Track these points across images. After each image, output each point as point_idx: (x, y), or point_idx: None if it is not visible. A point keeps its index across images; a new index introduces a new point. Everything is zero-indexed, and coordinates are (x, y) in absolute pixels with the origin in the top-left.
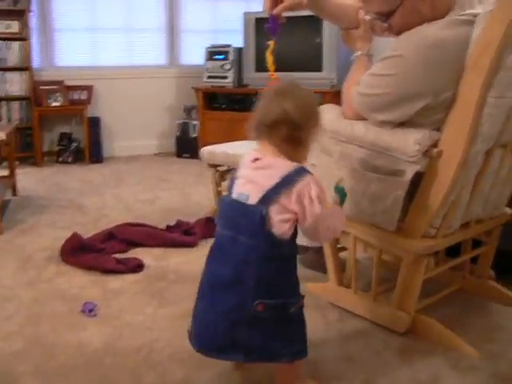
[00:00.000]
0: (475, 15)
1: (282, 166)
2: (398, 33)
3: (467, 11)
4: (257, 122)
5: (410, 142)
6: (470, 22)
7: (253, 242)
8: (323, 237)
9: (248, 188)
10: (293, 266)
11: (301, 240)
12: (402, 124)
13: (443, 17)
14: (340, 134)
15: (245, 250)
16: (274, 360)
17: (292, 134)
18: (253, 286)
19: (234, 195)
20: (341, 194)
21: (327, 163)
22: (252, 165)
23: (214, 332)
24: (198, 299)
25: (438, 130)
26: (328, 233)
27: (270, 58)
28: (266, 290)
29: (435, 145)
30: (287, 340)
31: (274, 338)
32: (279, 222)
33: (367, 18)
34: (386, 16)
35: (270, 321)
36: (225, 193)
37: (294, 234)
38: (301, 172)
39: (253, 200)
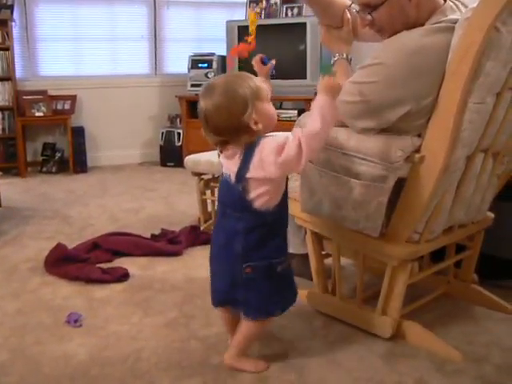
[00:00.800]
0: (455, 22)
1: (238, 151)
2: (379, 30)
3: (448, 17)
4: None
5: (392, 148)
6: (450, 29)
7: (238, 214)
8: (313, 153)
9: (228, 169)
10: (279, 230)
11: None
12: (383, 130)
13: (426, 20)
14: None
15: (233, 221)
16: (270, 315)
17: (216, 130)
18: (241, 252)
19: (223, 173)
20: (325, 70)
21: (310, 169)
22: (223, 154)
23: (222, 288)
24: (210, 262)
25: (420, 135)
26: (312, 145)
27: (251, 26)
28: (252, 254)
29: (417, 150)
30: (279, 296)
31: (267, 297)
32: (257, 196)
33: (353, 11)
34: (372, 9)
35: (261, 281)
36: (209, 201)
37: (280, 203)
38: (251, 148)
39: (232, 177)
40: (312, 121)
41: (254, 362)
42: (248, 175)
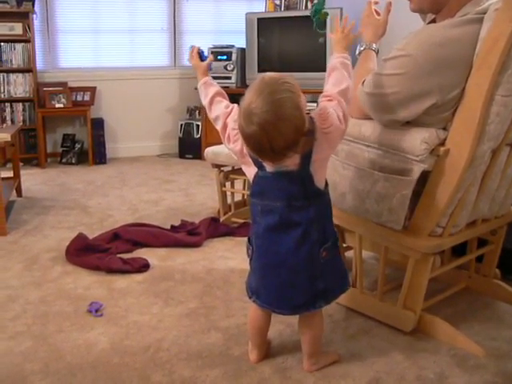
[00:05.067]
0: (484, 12)
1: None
2: (417, 4)
3: (481, 7)
4: None
5: (418, 141)
6: (479, 20)
7: (309, 202)
8: (349, 108)
9: (282, 163)
10: (331, 205)
11: None
12: (408, 123)
13: (457, 9)
14: (347, 134)
15: (305, 212)
16: (342, 291)
17: (284, 150)
18: (318, 238)
19: (271, 169)
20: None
21: (333, 162)
22: None
23: (295, 292)
24: (260, 270)
25: (445, 128)
26: (348, 100)
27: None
28: (325, 236)
29: (442, 143)
30: (343, 269)
31: (339, 274)
32: (320, 175)
33: None
34: None
35: (332, 260)
36: (228, 193)
37: (327, 182)
38: (310, 130)
39: (294, 167)
40: (340, 79)
41: (330, 353)
42: (314, 157)
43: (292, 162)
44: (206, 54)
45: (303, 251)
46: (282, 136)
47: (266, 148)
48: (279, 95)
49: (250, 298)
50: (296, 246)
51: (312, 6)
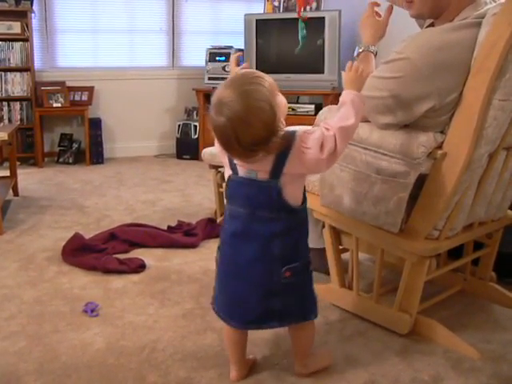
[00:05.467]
0: (483, 16)
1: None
2: (417, 10)
3: (479, 11)
4: None
5: (415, 144)
6: (477, 24)
7: (274, 215)
8: (345, 146)
9: (253, 168)
10: (307, 228)
11: None
12: (406, 126)
13: (457, 13)
14: None
15: (267, 223)
16: (307, 318)
17: (252, 145)
18: (279, 255)
19: (242, 174)
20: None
21: None
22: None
23: (248, 306)
24: (222, 279)
25: (442, 132)
26: (345, 139)
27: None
28: (290, 256)
29: (439, 147)
30: (313, 297)
31: (303, 299)
32: (292, 190)
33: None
34: None
35: (298, 284)
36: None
37: (305, 199)
38: (287, 142)
39: (263, 175)
40: (347, 115)
41: (322, 356)
42: (285, 170)
43: (263, 169)
44: (242, 61)
45: (260, 265)
46: (249, 129)
47: (233, 141)
48: (248, 86)
49: (211, 304)
50: (254, 258)
51: (299, 29)
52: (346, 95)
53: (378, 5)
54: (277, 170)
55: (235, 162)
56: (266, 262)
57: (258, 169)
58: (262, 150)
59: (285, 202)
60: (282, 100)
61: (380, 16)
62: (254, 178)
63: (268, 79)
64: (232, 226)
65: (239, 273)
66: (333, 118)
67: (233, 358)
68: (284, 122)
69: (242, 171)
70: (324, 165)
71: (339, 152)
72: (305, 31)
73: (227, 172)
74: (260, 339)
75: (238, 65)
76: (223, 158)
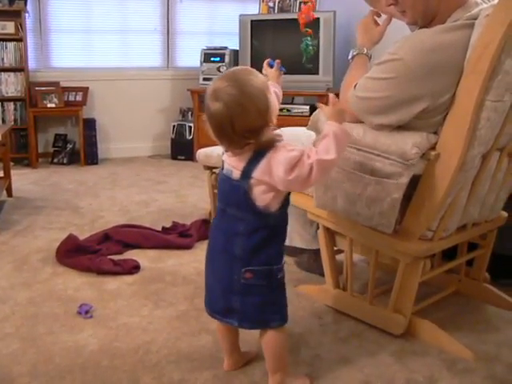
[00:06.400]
0: (475, 17)
1: (249, 148)
2: (402, 11)
3: (471, 12)
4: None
5: (409, 145)
6: (470, 26)
7: (240, 214)
8: (322, 179)
9: (231, 165)
10: (281, 234)
11: (297, 242)
12: (399, 127)
13: (448, 15)
14: None
15: (233, 222)
16: (267, 326)
17: (245, 132)
18: (240, 254)
19: (224, 170)
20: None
21: None
22: (227, 153)
23: (215, 296)
24: (205, 265)
25: (436, 133)
26: (323, 172)
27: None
28: (253, 258)
29: (433, 148)
30: (277, 305)
31: (265, 305)
32: (260, 194)
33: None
34: None
35: (261, 288)
36: None
37: (283, 206)
38: (263, 149)
39: (236, 175)
40: (328, 148)
41: (299, 379)
42: (253, 174)
43: (238, 168)
44: (273, 62)
45: (223, 261)
46: (245, 113)
47: (227, 126)
48: (244, 76)
49: None
50: (219, 252)
51: (302, 41)
52: (329, 127)
53: (378, 15)
54: (247, 172)
55: (222, 158)
56: (227, 258)
57: (234, 167)
58: (253, 139)
59: (252, 204)
60: (273, 100)
61: (378, 25)
62: (229, 176)
63: (262, 77)
64: (214, 219)
65: (211, 264)
66: (317, 147)
67: (224, 346)
68: (274, 124)
69: (224, 167)
70: (289, 186)
71: (313, 182)
72: (308, 43)
73: None
74: None
75: (270, 67)
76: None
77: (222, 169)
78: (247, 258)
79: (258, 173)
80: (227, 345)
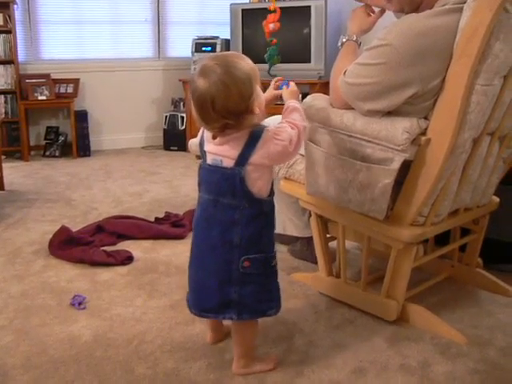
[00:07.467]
0: (464, 2)
1: (238, 135)
2: (397, 5)
3: None
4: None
5: (399, 130)
6: (458, 10)
7: (236, 203)
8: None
9: (220, 155)
10: (272, 223)
11: (291, 230)
12: (390, 112)
13: (435, 1)
14: (329, 124)
15: (229, 211)
16: (264, 314)
17: (225, 112)
18: (239, 244)
19: (209, 161)
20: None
21: (315, 152)
22: (214, 141)
23: (207, 293)
24: (190, 264)
25: (426, 118)
26: (304, 137)
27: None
28: (251, 246)
29: (423, 133)
30: (272, 292)
31: (262, 292)
32: (255, 180)
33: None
34: None
35: (257, 276)
36: None
37: (271, 193)
38: (256, 132)
39: (228, 163)
40: (302, 117)
41: (264, 361)
42: (251, 160)
43: (229, 156)
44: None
45: (219, 252)
46: (226, 94)
47: (208, 103)
48: (233, 59)
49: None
50: (214, 245)
51: (267, 50)
52: (293, 103)
53: (372, 11)
54: (243, 158)
55: (205, 148)
56: (226, 249)
57: (224, 155)
58: (232, 121)
59: (248, 191)
60: (260, 92)
61: (370, 16)
62: (219, 165)
63: (252, 65)
64: (198, 212)
65: (201, 259)
66: (293, 117)
67: (208, 324)
68: (260, 111)
69: (209, 159)
70: (289, 157)
71: (299, 149)
72: (273, 53)
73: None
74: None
75: (276, 89)
76: (198, 148)
77: (205, 161)
78: (245, 246)
79: (255, 157)
80: (212, 322)
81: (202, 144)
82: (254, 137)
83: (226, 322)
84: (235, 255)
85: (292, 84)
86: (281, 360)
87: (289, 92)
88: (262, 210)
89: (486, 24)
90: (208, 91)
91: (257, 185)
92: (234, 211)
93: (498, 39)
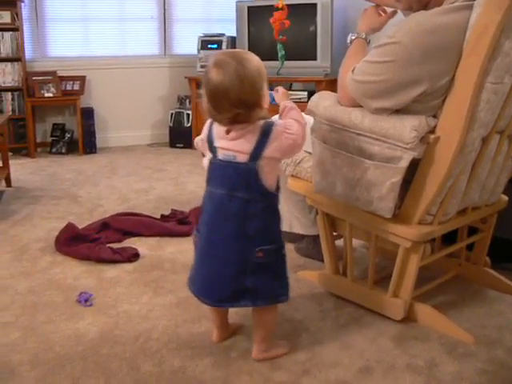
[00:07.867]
0: None
1: (250, 130)
2: (406, 4)
3: None
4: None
5: (407, 128)
6: (468, 7)
7: (250, 196)
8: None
9: (233, 150)
10: (280, 216)
11: (296, 228)
12: (398, 110)
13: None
14: (336, 121)
15: (244, 205)
16: (277, 300)
17: (237, 103)
18: (253, 236)
19: (221, 157)
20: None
21: (323, 150)
22: (227, 136)
23: (223, 283)
24: (199, 258)
25: (435, 116)
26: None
27: None
28: (264, 238)
29: (432, 131)
30: (283, 279)
31: (274, 280)
32: (268, 173)
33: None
34: None
35: (269, 265)
36: None
37: (278, 187)
38: (268, 126)
39: (241, 158)
40: (301, 116)
41: (279, 346)
42: (265, 154)
43: (243, 151)
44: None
45: (235, 244)
46: (240, 83)
47: (222, 94)
48: (244, 55)
49: (188, 285)
50: (230, 237)
51: (278, 49)
52: (289, 103)
53: (384, 11)
54: (257, 153)
55: (215, 145)
56: (241, 241)
57: (238, 150)
58: (243, 112)
59: (261, 185)
60: (267, 90)
61: (382, 13)
62: (232, 161)
63: (261, 62)
64: (211, 207)
65: (215, 251)
66: (293, 115)
67: (215, 322)
68: (266, 108)
69: (221, 154)
70: (298, 150)
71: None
72: (283, 51)
73: (206, 159)
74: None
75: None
76: (204, 144)
77: (215, 156)
78: (259, 237)
79: (268, 151)
80: (218, 320)
81: (210, 140)
82: (266, 131)
83: (232, 320)
84: (250, 246)
85: (280, 88)
86: (287, 358)
87: (280, 95)
88: (273, 203)
89: (496, 22)
90: (223, 82)
91: (268, 178)
92: (249, 204)
93: (508, 37)
